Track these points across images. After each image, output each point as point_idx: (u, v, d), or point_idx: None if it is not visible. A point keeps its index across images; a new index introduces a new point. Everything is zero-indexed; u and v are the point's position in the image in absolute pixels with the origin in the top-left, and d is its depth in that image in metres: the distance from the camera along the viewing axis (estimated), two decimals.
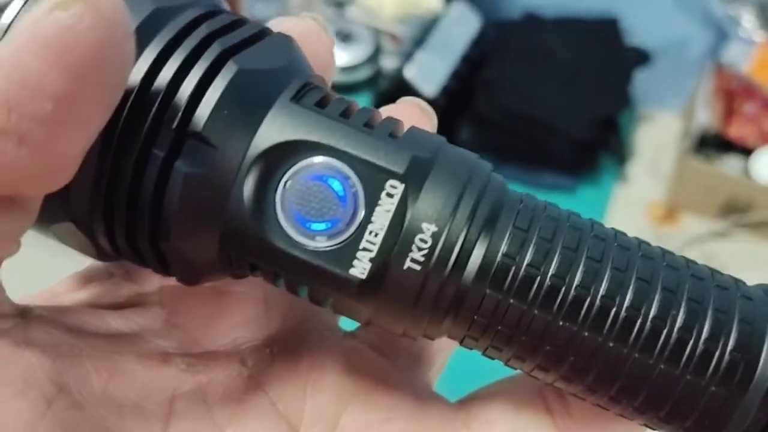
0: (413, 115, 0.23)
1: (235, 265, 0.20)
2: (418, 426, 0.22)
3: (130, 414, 0.19)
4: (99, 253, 0.20)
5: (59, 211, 0.19)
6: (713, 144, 1.38)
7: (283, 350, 0.23)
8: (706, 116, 1.36)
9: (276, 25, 0.22)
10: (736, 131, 1.36)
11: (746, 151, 1.37)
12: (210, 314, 0.22)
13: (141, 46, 0.18)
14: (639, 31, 1.53)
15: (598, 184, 1.46)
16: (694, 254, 0.97)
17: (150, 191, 0.18)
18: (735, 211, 1.36)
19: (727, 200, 1.36)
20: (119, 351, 0.20)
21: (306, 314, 0.24)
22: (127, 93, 0.17)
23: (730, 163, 1.38)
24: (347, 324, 0.24)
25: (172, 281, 0.21)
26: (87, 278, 0.22)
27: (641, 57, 1.51)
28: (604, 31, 1.52)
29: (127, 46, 0.16)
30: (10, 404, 0.16)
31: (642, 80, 1.56)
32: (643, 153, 1.52)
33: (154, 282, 0.22)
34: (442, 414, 0.23)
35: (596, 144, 1.42)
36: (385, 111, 0.22)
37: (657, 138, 1.50)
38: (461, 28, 1.48)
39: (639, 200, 1.43)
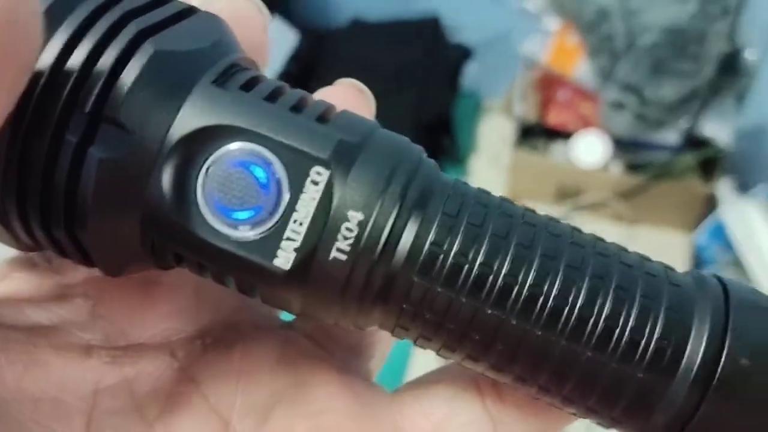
0: (350, 96, 0.22)
1: (159, 256, 0.19)
2: (353, 418, 0.22)
3: (48, 408, 0.18)
4: (18, 244, 0.19)
5: None
6: (539, 133, 1.40)
7: (215, 342, 0.22)
8: (522, 107, 1.37)
9: (205, 3, 0.20)
10: (555, 118, 1.38)
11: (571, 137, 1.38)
12: (137, 305, 0.21)
13: (52, 28, 0.17)
14: (463, 28, 1.53)
15: None
16: None
17: (63, 178, 0.17)
18: (567, 196, 1.38)
19: (558, 187, 1.38)
20: (37, 343, 0.19)
21: (240, 304, 0.23)
22: (38, 76, 0.17)
23: (557, 150, 1.39)
24: (286, 314, 0.22)
25: (97, 272, 0.20)
26: (8, 269, 0.21)
27: (464, 53, 1.52)
28: (427, 31, 1.52)
29: (32, 24, 0.14)
30: None
31: (480, 74, 1.56)
32: (485, 146, 1.52)
33: (78, 273, 0.21)
34: (378, 405, 0.22)
35: (427, 146, 1.42)
36: (321, 93, 0.21)
37: (498, 131, 1.50)
38: (276, 46, 1.47)
39: None
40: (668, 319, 0.18)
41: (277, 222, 0.18)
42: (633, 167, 1.34)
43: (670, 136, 1.29)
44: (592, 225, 1.37)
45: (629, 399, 0.19)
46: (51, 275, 0.21)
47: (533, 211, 0.20)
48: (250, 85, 0.19)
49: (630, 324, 0.18)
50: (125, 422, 0.19)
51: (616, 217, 1.35)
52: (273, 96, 0.19)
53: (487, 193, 0.19)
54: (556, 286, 0.18)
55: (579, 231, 0.20)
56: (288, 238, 0.18)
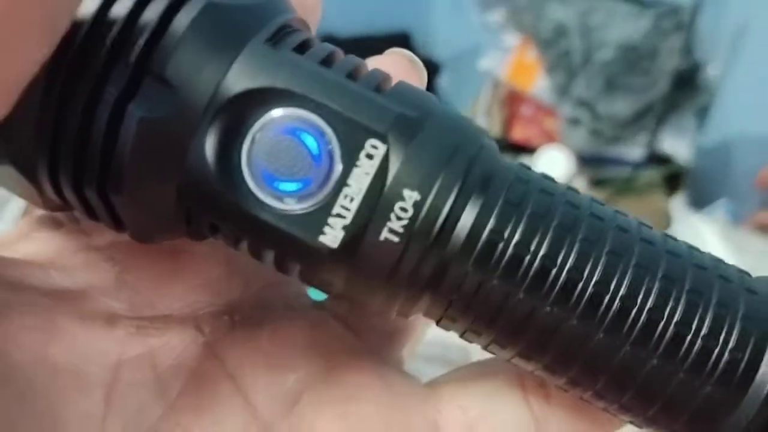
0: (401, 68, 0.20)
1: (193, 225, 0.18)
2: (384, 408, 0.20)
3: (68, 378, 0.17)
4: (45, 202, 0.18)
5: (1, 151, 0.17)
6: (504, 148, 1.39)
7: (244, 318, 0.21)
8: (485, 122, 1.37)
9: None
10: (520, 133, 1.37)
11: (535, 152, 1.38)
12: (166, 274, 0.20)
13: None
14: (432, 43, 1.54)
15: None
16: None
17: (100, 136, 0.16)
18: None
19: None
20: (60, 310, 0.18)
21: (271, 280, 0.22)
22: (81, 22, 0.15)
23: None
24: (316, 293, 0.21)
25: (126, 237, 0.18)
26: (33, 228, 0.20)
27: (433, 68, 1.51)
28: (396, 45, 1.52)
29: None
30: None
31: (449, 89, 1.56)
32: None
33: (106, 236, 0.20)
34: (412, 396, 0.21)
35: None
36: (371, 62, 0.19)
37: None
38: None
39: None
40: (744, 329, 0.17)
41: (326, 196, 0.17)
42: (597, 183, 1.33)
43: (634, 151, 1.29)
44: None
45: (693, 412, 0.17)
46: (77, 237, 0.20)
47: (601, 203, 0.18)
48: (303, 47, 0.17)
49: (702, 331, 0.17)
50: (145, 397, 0.18)
51: None
52: (328, 61, 0.17)
53: (553, 181, 0.18)
54: (623, 285, 0.17)
55: (648, 227, 0.18)
56: (337, 215, 0.17)
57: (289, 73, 0.17)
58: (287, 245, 0.17)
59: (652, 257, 0.17)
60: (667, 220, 1.21)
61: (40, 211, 0.20)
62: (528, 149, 1.38)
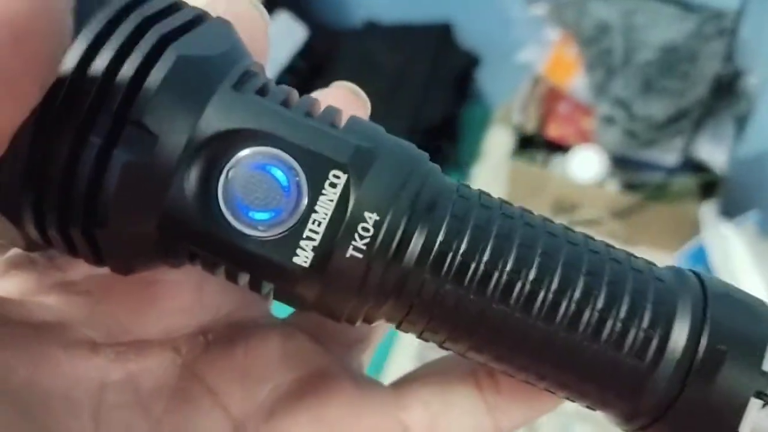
0: (347, 99, 0.23)
1: (172, 254, 0.20)
2: (355, 411, 0.23)
3: (58, 403, 0.19)
4: (26, 242, 0.19)
5: None
6: (540, 145, 1.38)
7: (217, 338, 0.23)
8: (521, 117, 1.36)
9: (208, 6, 0.21)
10: (556, 131, 1.36)
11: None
12: (140, 302, 0.22)
13: (75, 29, 0.17)
14: (474, 35, 1.53)
15: None
16: None
17: (86, 179, 0.18)
18: (563, 210, 1.36)
19: (554, 201, 1.36)
20: (44, 340, 0.19)
21: (241, 302, 0.24)
22: (64, 77, 0.17)
23: (556, 164, 1.38)
24: (279, 311, 0.24)
25: (100, 269, 0.20)
26: (8, 267, 0.21)
27: (472, 60, 1.51)
28: (438, 35, 1.52)
29: (64, 17, 0.15)
30: None
31: (490, 82, 1.56)
32: (489, 155, 1.51)
33: (80, 270, 0.21)
34: (378, 398, 0.23)
35: (425, 151, 1.42)
36: (318, 94, 0.22)
37: (503, 141, 1.49)
38: (284, 40, 1.48)
39: None
40: (654, 311, 0.20)
41: (297, 222, 0.19)
42: (630, 186, 1.32)
43: (669, 156, 1.27)
44: None
45: (620, 383, 0.20)
46: (52, 272, 0.21)
47: (531, 212, 0.21)
48: (263, 90, 0.20)
49: (621, 315, 0.20)
50: (132, 417, 0.20)
51: (611, 235, 1.32)
52: (286, 102, 0.20)
53: (489, 196, 0.21)
54: (555, 281, 0.20)
55: (572, 230, 0.21)
56: (307, 237, 0.19)
57: (255, 114, 0.19)
58: (263, 268, 0.19)
59: (577, 256, 0.20)
60: (696, 228, 1.20)
61: (13, 251, 0.22)
62: (563, 148, 1.37)
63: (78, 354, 0.20)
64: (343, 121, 0.20)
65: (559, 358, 0.20)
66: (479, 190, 0.21)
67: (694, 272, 0.22)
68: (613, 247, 0.21)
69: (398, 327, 0.21)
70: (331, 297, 0.20)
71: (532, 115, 1.37)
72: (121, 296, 0.22)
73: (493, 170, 1.47)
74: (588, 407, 0.22)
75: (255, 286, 0.20)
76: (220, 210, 0.19)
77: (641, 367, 0.20)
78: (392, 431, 0.23)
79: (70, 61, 0.17)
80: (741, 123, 1.23)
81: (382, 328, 0.26)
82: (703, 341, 0.20)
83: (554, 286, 0.20)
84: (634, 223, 1.30)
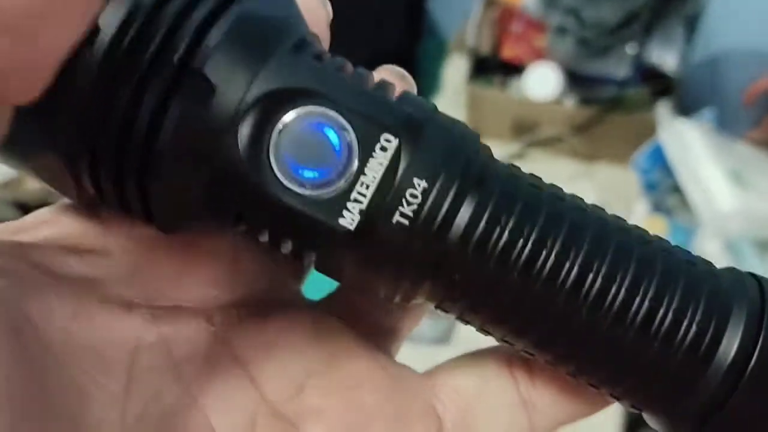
0: (395, 80, 0.23)
1: (219, 215, 0.20)
2: (385, 394, 0.23)
3: (92, 358, 0.18)
4: (78, 193, 0.19)
5: (42, 141, 0.18)
6: (494, 67, 1.39)
7: (250, 313, 0.23)
8: (476, 41, 1.37)
9: None
10: (510, 52, 1.37)
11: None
12: (178, 267, 0.22)
13: None
14: None
15: None
16: None
17: (144, 125, 0.18)
18: (525, 131, 1.37)
19: (514, 122, 1.37)
20: (80, 294, 0.19)
21: (275, 281, 0.24)
22: (130, 22, 0.17)
23: (513, 86, 1.39)
24: (313, 292, 0.25)
25: (140, 229, 0.21)
26: (54, 214, 0.21)
27: None
28: None
29: None
30: None
31: (447, 13, 1.55)
32: (448, 85, 1.52)
33: (123, 228, 0.21)
34: (410, 382, 0.23)
35: None
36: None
37: (459, 69, 1.50)
38: None
39: None
40: (708, 305, 0.19)
41: (345, 183, 0.19)
42: (586, 101, 1.33)
43: (621, 69, 1.29)
44: (549, 162, 1.38)
45: (666, 381, 0.19)
46: (96, 226, 0.21)
47: (580, 198, 0.21)
48: (320, 57, 0.20)
49: (673, 306, 0.19)
50: (163, 380, 0.20)
51: (572, 152, 1.35)
52: (341, 69, 0.20)
53: (539, 178, 0.20)
54: (604, 267, 0.19)
55: (622, 219, 0.20)
56: (354, 200, 0.19)
57: (312, 75, 0.19)
58: (309, 228, 0.19)
59: (629, 242, 0.20)
60: (653, 132, 1.22)
61: (60, 201, 0.22)
62: (518, 68, 1.38)
63: (114, 311, 0.20)
64: (395, 94, 0.20)
65: (605, 348, 0.19)
66: (530, 173, 0.21)
67: (752, 274, 0.21)
68: (665, 240, 0.21)
69: (438, 306, 0.21)
70: (372, 264, 0.19)
71: (486, 37, 1.38)
72: (160, 260, 0.22)
73: (451, 98, 1.48)
74: (632, 407, 0.21)
75: (298, 252, 0.20)
76: (270, 165, 0.19)
77: (692, 363, 0.19)
78: (424, 416, 0.23)
79: (137, 7, 0.17)
80: (691, 24, 1.25)
81: (413, 319, 0.26)
82: (761, 341, 0.19)
83: (603, 270, 0.19)
84: (594, 137, 1.32)
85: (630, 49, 1.24)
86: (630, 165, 1.23)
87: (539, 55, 1.35)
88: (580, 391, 0.22)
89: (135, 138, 0.18)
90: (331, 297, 0.25)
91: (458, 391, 0.23)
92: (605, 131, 1.31)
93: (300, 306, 0.24)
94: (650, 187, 1.16)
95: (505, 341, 0.21)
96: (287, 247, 0.20)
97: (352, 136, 0.19)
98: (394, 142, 0.19)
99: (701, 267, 0.20)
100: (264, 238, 0.20)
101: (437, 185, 0.19)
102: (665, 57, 1.24)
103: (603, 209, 0.21)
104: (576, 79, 1.33)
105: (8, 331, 0.16)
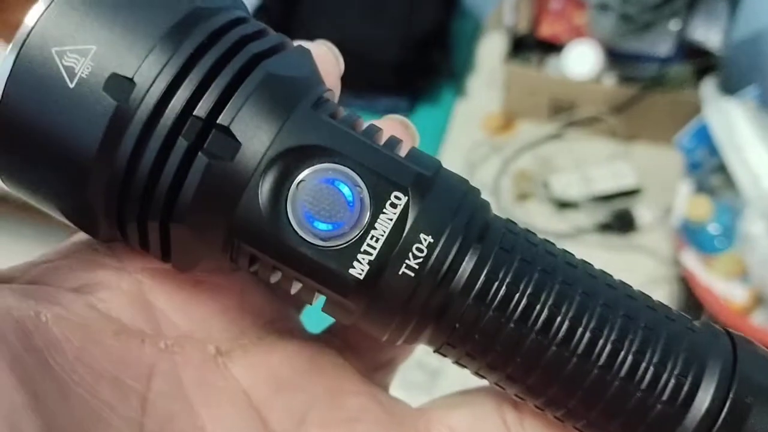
0: (397, 131, 0.24)
1: (234, 257, 0.21)
2: (384, 427, 0.23)
3: (108, 384, 0.19)
4: (101, 231, 0.21)
5: (74, 185, 0.20)
6: (531, 46, 1.37)
7: (256, 344, 0.24)
8: (512, 18, 1.34)
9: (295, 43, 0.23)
10: (548, 29, 1.35)
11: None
12: (188, 301, 0.23)
13: (179, 40, 0.19)
14: None
15: (438, 103, 1.45)
16: (529, 159, 0.97)
17: (171, 174, 0.19)
18: (562, 110, 1.35)
19: (551, 101, 1.35)
20: (95, 325, 0.20)
21: (278, 313, 0.25)
22: (162, 81, 0.19)
23: (551, 64, 1.36)
24: (313, 326, 0.26)
25: (153, 263, 0.22)
26: (68, 253, 0.22)
27: None
28: None
29: None
30: None
31: None
32: (483, 65, 1.50)
33: (136, 263, 0.23)
34: (406, 416, 0.24)
35: (416, 64, 1.41)
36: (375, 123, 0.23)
37: (495, 48, 1.48)
38: None
39: (477, 114, 1.42)
40: (687, 359, 0.21)
41: (356, 236, 0.20)
42: (626, 80, 1.31)
43: (663, 46, 1.26)
44: (587, 142, 1.36)
45: (647, 426, 0.21)
46: (110, 261, 0.22)
47: (571, 254, 0.22)
48: (335, 115, 0.21)
49: (655, 359, 0.20)
50: (175, 406, 0.21)
51: (611, 132, 1.32)
52: (353, 127, 0.21)
53: (533, 234, 0.22)
54: (593, 319, 0.20)
55: (610, 276, 0.22)
56: (365, 251, 0.20)
57: (329, 133, 0.20)
58: (319, 276, 0.20)
59: (614, 298, 0.21)
60: (695, 114, 1.19)
61: (78, 236, 0.23)
62: (556, 47, 1.35)
63: (128, 341, 0.21)
64: (404, 150, 0.21)
65: (591, 395, 0.21)
66: (525, 228, 0.22)
67: (725, 329, 0.22)
68: (649, 297, 0.22)
69: (437, 350, 0.22)
70: (378, 311, 0.21)
71: (524, 15, 1.35)
72: (171, 293, 0.23)
73: (488, 77, 1.46)
74: None
75: (306, 295, 0.21)
76: (287, 217, 0.20)
77: (670, 411, 0.20)
78: None
79: (172, 68, 0.19)
80: (734, 1, 1.22)
81: (407, 352, 0.27)
82: (732, 392, 0.20)
83: (592, 324, 0.20)
84: (634, 117, 1.30)
85: (673, 25, 1.21)
86: (671, 145, 1.20)
87: (578, 32, 1.32)
88: (566, 429, 0.23)
89: (162, 185, 0.19)
90: (329, 330, 0.26)
91: (451, 427, 0.24)
92: (645, 110, 1.29)
93: (301, 338, 0.25)
94: (694, 167, 1.13)
95: (499, 386, 0.22)
96: (296, 288, 0.21)
97: (365, 193, 0.20)
98: (404, 199, 0.20)
99: (680, 322, 0.22)
100: (275, 279, 0.21)
101: (442, 241, 0.20)
102: (708, 34, 1.21)
103: (591, 265, 0.22)
104: (616, 57, 1.31)
105: (6, 353, 0.17)
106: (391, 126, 0.24)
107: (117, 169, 0.19)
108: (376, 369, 0.26)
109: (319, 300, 0.22)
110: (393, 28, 1.39)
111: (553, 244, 0.22)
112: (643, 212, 1.24)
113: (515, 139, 1.38)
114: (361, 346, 0.26)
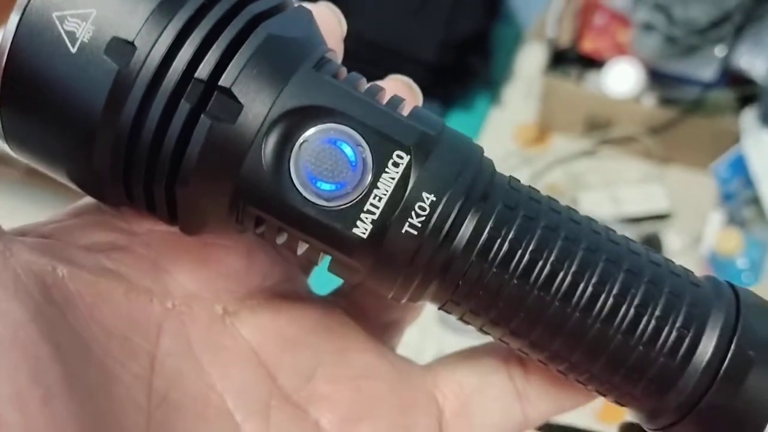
0: (402, 91, 0.24)
1: (240, 219, 0.21)
2: (390, 384, 0.24)
3: (117, 342, 0.20)
4: (108, 195, 0.21)
5: (80, 149, 0.20)
6: (572, 60, 1.35)
7: (263, 305, 0.24)
8: (555, 31, 1.32)
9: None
10: (590, 44, 1.32)
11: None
12: (195, 261, 0.23)
13: (180, 3, 0.19)
14: None
15: (471, 109, 1.44)
16: (559, 174, 0.96)
17: (174, 137, 0.19)
18: (597, 127, 1.33)
19: (587, 117, 1.33)
20: (106, 285, 0.21)
21: (285, 275, 0.25)
22: (163, 44, 0.19)
23: (591, 80, 1.34)
24: (319, 287, 0.27)
25: (160, 226, 0.22)
26: (77, 213, 0.23)
27: None
28: None
29: None
30: (2, 305, 0.17)
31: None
32: (521, 75, 1.49)
33: (144, 224, 0.23)
34: (413, 374, 0.25)
35: (453, 68, 1.39)
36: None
37: (534, 58, 1.46)
38: None
39: (511, 124, 1.41)
40: (689, 312, 0.21)
41: (359, 195, 0.20)
42: (666, 101, 1.28)
43: (707, 70, 1.23)
44: (620, 161, 1.34)
45: (649, 379, 0.21)
46: (118, 222, 0.23)
47: (576, 211, 0.22)
48: (337, 75, 0.21)
49: (657, 313, 0.21)
50: (184, 364, 0.21)
51: (645, 155, 1.30)
52: (356, 87, 0.21)
53: (537, 191, 0.22)
54: (595, 275, 0.21)
55: (614, 231, 0.22)
56: (367, 210, 0.20)
57: (331, 93, 0.20)
58: (324, 236, 0.20)
59: (618, 253, 0.21)
60: (734, 143, 1.17)
61: (85, 200, 0.23)
62: (597, 63, 1.33)
63: (137, 300, 0.21)
64: (407, 110, 0.21)
65: (593, 349, 0.21)
66: (529, 186, 0.22)
67: (729, 283, 0.23)
68: (654, 251, 0.22)
69: (441, 307, 0.22)
70: (382, 270, 0.21)
71: (567, 28, 1.34)
72: (179, 254, 0.23)
73: (525, 87, 1.44)
74: (615, 402, 0.22)
75: (311, 256, 0.22)
76: (290, 178, 0.20)
77: (672, 364, 0.21)
78: (426, 405, 0.24)
79: (171, 31, 0.19)
80: None
81: (413, 313, 0.27)
82: (733, 346, 0.21)
83: (594, 279, 0.20)
84: (670, 140, 1.27)
85: (718, 51, 1.19)
86: (706, 171, 1.18)
87: (621, 50, 1.30)
88: (569, 386, 0.24)
89: (166, 148, 0.19)
90: (336, 292, 0.27)
91: (459, 383, 0.25)
92: (683, 134, 1.26)
93: (308, 299, 0.25)
94: (727, 198, 1.11)
95: (503, 341, 0.22)
96: (302, 249, 0.21)
97: (367, 152, 0.20)
98: (406, 158, 0.20)
99: (684, 277, 0.22)
100: (281, 240, 0.21)
101: (444, 199, 0.20)
102: (754, 62, 1.18)
103: (595, 221, 0.22)
104: (657, 78, 1.28)
105: (32, 306, 0.17)
106: (394, 86, 0.24)
107: (121, 133, 0.19)
108: (382, 330, 0.26)
109: (325, 261, 0.22)
110: (434, 29, 1.37)
111: (557, 200, 0.22)
112: (672, 238, 1.22)
113: (547, 153, 1.36)
114: (367, 306, 0.26)
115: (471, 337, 1.08)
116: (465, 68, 1.42)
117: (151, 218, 0.22)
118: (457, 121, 1.39)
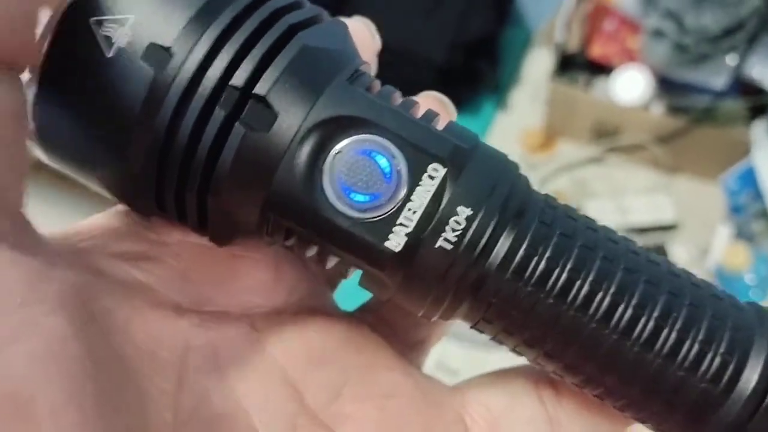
0: (435, 106, 0.24)
1: (270, 230, 0.21)
2: (417, 404, 0.23)
3: (146, 359, 0.20)
4: (140, 204, 0.21)
5: (113, 154, 0.20)
6: (580, 66, 1.33)
7: (291, 320, 0.24)
8: (563, 35, 1.30)
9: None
10: (599, 50, 1.30)
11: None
12: (224, 274, 0.23)
13: (217, 11, 0.19)
14: None
15: (478, 113, 1.42)
16: (565, 181, 0.94)
17: (208, 145, 0.19)
18: (605, 134, 1.31)
19: (595, 124, 1.31)
20: (133, 297, 0.20)
21: (312, 290, 0.25)
22: (199, 51, 0.19)
23: (599, 86, 1.32)
24: (346, 303, 0.26)
25: (190, 237, 0.22)
26: (110, 220, 0.22)
27: None
28: None
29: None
30: (45, 319, 0.16)
31: (535, 4, 1.50)
32: (528, 80, 1.46)
33: (173, 235, 0.23)
34: (441, 395, 0.24)
35: (461, 71, 1.37)
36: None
37: (543, 63, 1.44)
38: None
39: (518, 129, 1.39)
40: (732, 337, 0.20)
41: (393, 208, 0.20)
42: (676, 110, 1.26)
43: (717, 79, 1.21)
44: (627, 169, 1.32)
45: (689, 407, 0.20)
46: (147, 233, 0.22)
47: (612, 230, 0.21)
48: (371, 88, 0.21)
49: (700, 337, 0.20)
50: (211, 381, 0.21)
51: (653, 163, 1.28)
52: (390, 99, 0.21)
53: (573, 209, 0.21)
54: (635, 298, 0.20)
55: (653, 252, 0.21)
56: (401, 224, 0.20)
57: (366, 105, 0.20)
58: (356, 248, 0.20)
59: (658, 275, 0.20)
60: (743, 154, 1.14)
61: (115, 208, 0.23)
62: (605, 69, 1.31)
63: (165, 314, 0.21)
64: (441, 124, 0.21)
65: (631, 374, 0.20)
66: (565, 203, 0.21)
67: None
68: (693, 274, 0.22)
69: (474, 326, 0.22)
70: (414, 285, 0.20)
71: (576, 33, 1.31)
72: (208, 267, 0.22)
73: (532, 93, 1.42)
74: (653, 429, 0.22)
75: (341, 269, 0.21)
76: (323, 189, 0.20)
77: (714, 391, 0.20)
78: (453, 427, 0.23)
79: (208, 39, 0.19)
80: None
81: (440, 332, 0.27)
82: None
83: (634, 301, 0.20)
84: (679, 149, 1.25)
85: (730, 60, 1.16)
86: (715, 183, 1.16)
87: (630, 56, 1.28)
88: (604, 411, 0.23)
89: (199, 155, 0.19)
90: (363, 308, 0.26)
91: (488, 406, 0.24)
92: (692, 143, 1.24)
93: (334, 314, 0.25)
94: (736, 211, 1.09)
95: (537, 363, 0.22)
96: (332, 262, 0.21)
97: (402, 164, 0.20)
98: (442, 171, 0.20)
99: (726, 301, 0.21)
100: (311, 253, 0.21)
101: (480, 214, 0.19)
102: (766, 72, 1.16)
103: (634, 241, 0.21)
104: (667, 86, 1.26)
105: (76, 321, 0.17)
106: (427, 101, 0.24)
107: (156, 138, 0.19)
108: (409, 348, 0.26)
109: (354, 275, 0.22)
110: (443, 30, 1.36)
111: (594, 220, 0.21)
112: (678, 249, 1.20)
113: (554, 159, 1.34)
114: (394, 324, 0.26)
115: (473, 346, 1.06)
116: (473, 72, 1.40)
117: (181, 228, 0.22)
118: (463, 124, 1.36)
